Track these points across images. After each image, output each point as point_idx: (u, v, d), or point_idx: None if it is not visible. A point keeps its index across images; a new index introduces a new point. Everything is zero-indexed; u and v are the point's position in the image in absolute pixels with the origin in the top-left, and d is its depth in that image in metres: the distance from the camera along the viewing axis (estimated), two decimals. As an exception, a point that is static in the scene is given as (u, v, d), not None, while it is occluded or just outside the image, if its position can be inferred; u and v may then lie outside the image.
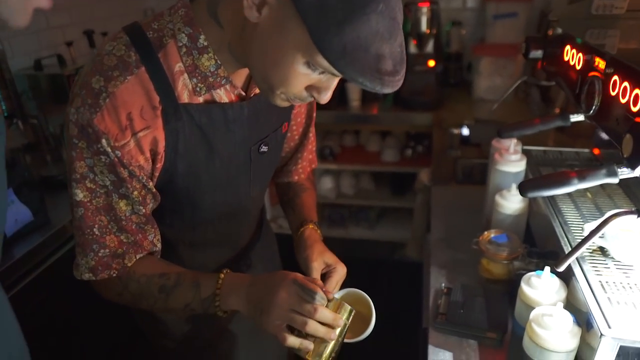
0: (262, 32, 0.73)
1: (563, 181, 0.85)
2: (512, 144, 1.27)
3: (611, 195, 1.15)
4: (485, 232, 1.19)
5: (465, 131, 2.13)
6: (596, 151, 1.41)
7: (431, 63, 2.65)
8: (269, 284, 0.84)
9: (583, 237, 0.81)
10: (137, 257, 0.91)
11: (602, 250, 0.95)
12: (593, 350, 0.78)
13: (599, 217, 1.03)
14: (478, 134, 2.12)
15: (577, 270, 0.89)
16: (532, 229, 1.27)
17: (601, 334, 0.74)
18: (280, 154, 1.17)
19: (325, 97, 0.79)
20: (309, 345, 0.82)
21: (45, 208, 1.64)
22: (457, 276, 1.25)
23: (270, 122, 1.00)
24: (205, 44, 0.81)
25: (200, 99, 0.85)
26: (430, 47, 2.65)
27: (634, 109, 0.76)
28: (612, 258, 0.92)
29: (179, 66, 0.81)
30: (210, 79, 0.84)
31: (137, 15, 2.81)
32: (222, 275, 0.88)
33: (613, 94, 0.84)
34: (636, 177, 0.77)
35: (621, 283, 0.86)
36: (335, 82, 0.78)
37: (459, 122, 2.21)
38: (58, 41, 2.40)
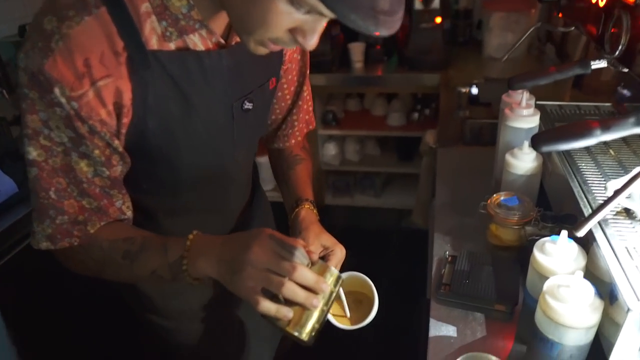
0: None
1: (583, 132, 0.74)
2: (524, 96, 1.14)
3: (637, 151, 1.03)
4: (494, 195, 1.08)
5: (474, 90, 1.99)
6: (618, 106, 1.28)
7: (438, 20, 2.50)
8: (242, 241, 0.75)
9: (606, 198, 0.70)
10: (102, 224, 0.83)
11: (628, 212, 0.83)
12: (617, 327, 0.67)
13: (623, 176, 0.92)
14: (488, 93, 1.99)
15: (599, 235, 0.78)
16: (547, 191, 1.15)
17: (628, 309, 0.64)
18: (269, 114, 1.07)
19: (312, 42, 0.68)
20: (288, 312, 0.72)
21: (30, 179, 1.56)
22: (463, 243, 1.15)
23: (254, 76, 0.90)
24: None
25: (172, 46, 0.75)
26: (436, 2, 2.50)
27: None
28: None
29: (145, 7, 0.71)
30: (182, 23, 0.74)
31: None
32: (190, 237, 0.79)
33: (644, 27, 0.71)
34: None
35: (650, 249, 0.75)
36: (322, 23, 0.67)
37: (467, 82, 2.07)
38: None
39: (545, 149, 0.76)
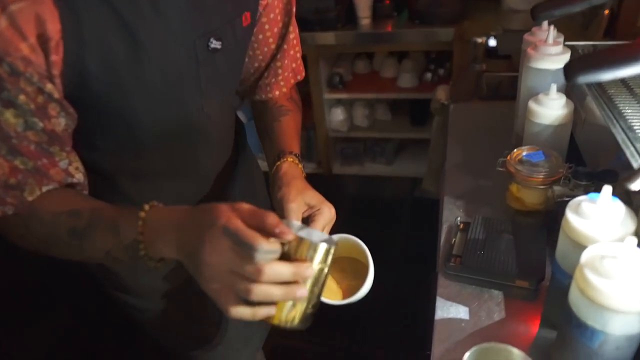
0: None
1: (631, 57, 0.55)
2: (551, 32, 0.95)
3: (692, 90, 0.84)
4: (515, 150, 0.90)
5: (492, 42, 1.79)
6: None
7: (452, -33, 2.27)
8: (197, 230, 0.58)
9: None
10: (44, 190, 0.68)
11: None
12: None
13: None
14: (507, 45, 1.78)
15: (653, 190, 0.61)
16: (578, 144, 0.97)
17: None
18: (244, 57, 0.90)
19: None
20: (269, 311, 0.57)
21: None
22: (478, 208, 0.98)
23: (222, 8, 0.75)
24: None
25: None
26: (450, -52, 2.26)
27: None
28: None
29: None
30: None
31: None
32: (142, 214, 0.62)
33: None
34: None
35: None
36: None
37: (484, 34, 1.86)
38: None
39: (582, 79, 0.58)
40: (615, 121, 0.78)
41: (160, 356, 1.65)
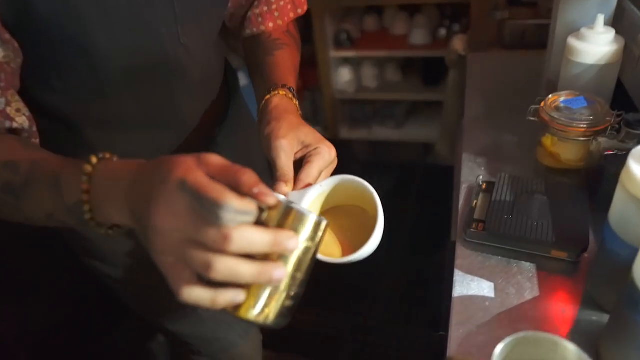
0: None
1: None
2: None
3: None
4: (551, 96, 0.75)
5: (515, -13, 1.61)
6: None
7: None
8: (147, 187, 0.43)
9: None
10: None
11: None
12: None
13: None
14: (533, -10, 1.60)
15: None
16: (628, 88, 0.82)
17: None
18: None
19: None
20: (234, 296, 0.41)
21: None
22: (502, 166, 0.83)
23: None
24: None
25: None
26: None
27: None
28: None
29: None
30: None
31: None
32: (88, 168, 0.48)
33: None
34: None
35: None
36: None
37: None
38: None
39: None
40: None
41: (150, 334, 1.56)
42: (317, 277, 0.49)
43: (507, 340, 0.43)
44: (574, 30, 0.78)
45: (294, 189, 0.57)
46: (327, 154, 0.60)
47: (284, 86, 0.71)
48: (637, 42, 0.75)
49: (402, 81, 2.69)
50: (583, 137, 0.71)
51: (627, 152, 0.49)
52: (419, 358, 1.60)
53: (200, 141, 0.83)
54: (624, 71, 0.79)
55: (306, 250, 0.43)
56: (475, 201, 0.74)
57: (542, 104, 0.74)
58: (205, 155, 0.43)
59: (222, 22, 0.81)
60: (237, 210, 0.39)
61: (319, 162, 0.59)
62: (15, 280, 1.37)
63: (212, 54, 0.80)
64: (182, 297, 0.41)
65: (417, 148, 2.72)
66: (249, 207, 0.40)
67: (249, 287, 0.42)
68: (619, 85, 0.81)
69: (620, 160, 0.49)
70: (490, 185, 0.76)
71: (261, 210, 0.41)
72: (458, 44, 1.52)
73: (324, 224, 0.44)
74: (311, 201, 0.57)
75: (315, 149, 0.60)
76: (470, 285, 0.64)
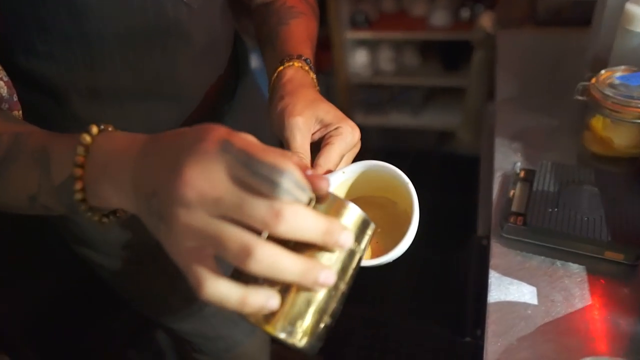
0: None
1: None
2: None
3: None
4: (604, 71, 0.65)
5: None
6: None
7: None
8: (172, 153, 0.34)
9: None
10: None
11: None
12: None
13: None
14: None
15: None
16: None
17: None
18: None
19: None
20: (267, 300, 0.32)
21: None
22: (542, 153, 0.74)
23: None
24: None
25: None
26: None
27: None
28: None
29: None
30: None
31: None
32: (86, 139, 0.40)
33: None
34: None
35: None
36: None
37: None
38: None
39: None
40: None
41: (148, 329, 1.50)
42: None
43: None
44: (631, -3, 0.68)
45: None
46: (349, 135, 0.51)
47: (299, 57, 0.61)
48: None
49: (420, 65, 2.59)
50: (642, 119, 0.61)
51: None
52: (431, 356, 1.52)
53: (203, 119, 0.74)
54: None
55: (351, 254, 0.35)
56: (512, 191, 0.64)
57: (593, 80, 0.64)
58: (238, 133, 0.34)
59: None
60: (297, 183, 0.31)
61: (341, 144, 0.50)
62: (5, 267, 1.32)
63: (219, 18, 0.71)
64: (205, 291, 0.32)
65: (434, 136, 2.63)
66: (307, 189, 0.33)
67: (283, 295, 0.33)
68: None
69: None
70: (530, 173, 0.66)
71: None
72: (486, 20, 1.41)
73: (372, 226, 0.35)
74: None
75: (336, 128, 0.51)
76: (509, 289, 0.54)
